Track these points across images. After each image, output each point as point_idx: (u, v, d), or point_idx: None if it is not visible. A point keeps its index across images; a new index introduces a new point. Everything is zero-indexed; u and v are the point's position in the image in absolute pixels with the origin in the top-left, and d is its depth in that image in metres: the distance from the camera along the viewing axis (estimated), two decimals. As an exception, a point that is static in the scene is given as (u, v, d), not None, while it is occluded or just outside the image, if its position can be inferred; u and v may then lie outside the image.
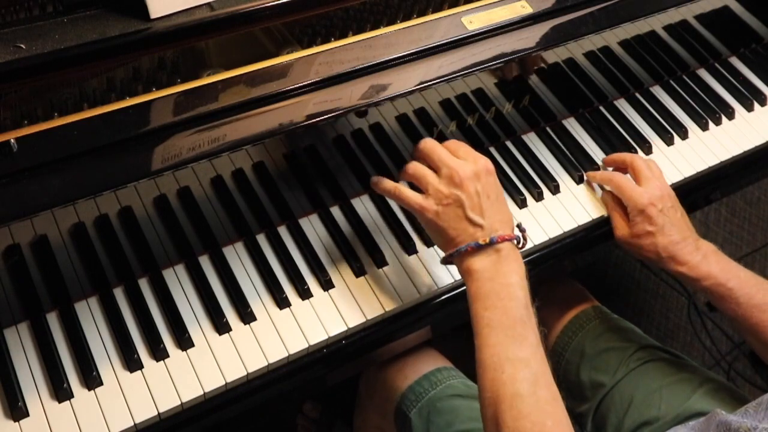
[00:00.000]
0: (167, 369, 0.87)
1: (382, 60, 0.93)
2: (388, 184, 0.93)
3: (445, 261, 0.89)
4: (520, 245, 0.88)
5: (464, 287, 0.98)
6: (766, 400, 0.77)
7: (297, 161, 1.02)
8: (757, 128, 1.26)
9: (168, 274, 0.94)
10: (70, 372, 0.86)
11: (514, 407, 0.75)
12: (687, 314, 1.96)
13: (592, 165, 1.15)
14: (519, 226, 0.88)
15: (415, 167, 0.91)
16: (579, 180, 1.13)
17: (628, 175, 1.08)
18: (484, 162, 0.89)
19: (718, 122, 1.25)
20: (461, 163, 0.88)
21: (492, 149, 1.14)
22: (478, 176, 0.87)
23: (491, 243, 0.84)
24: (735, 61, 1.36)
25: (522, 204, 1.09)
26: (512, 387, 0.76)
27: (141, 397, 0.85)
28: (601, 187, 1.11)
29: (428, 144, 0.91)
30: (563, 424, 0.77)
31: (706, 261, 0.98)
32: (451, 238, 0.86)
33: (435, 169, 0.90)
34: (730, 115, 1.27)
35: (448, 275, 1.00)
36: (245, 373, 0.89)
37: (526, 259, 1.05)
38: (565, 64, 1.19)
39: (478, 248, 0.84)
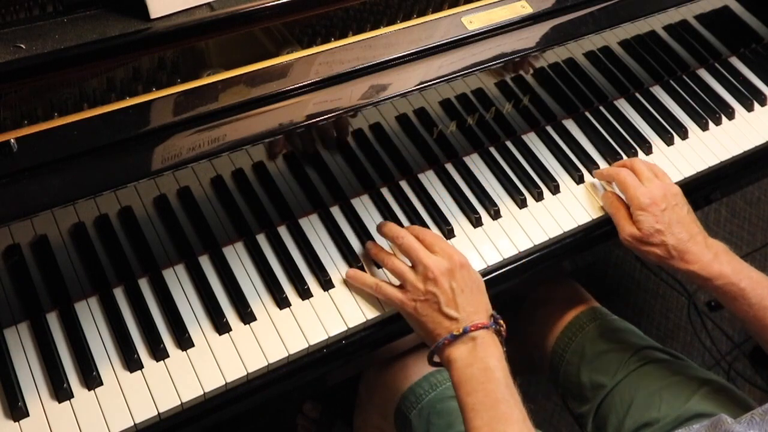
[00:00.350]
0: (167, 369, 0.87)
1: (382, 60, 0.93)
2: (368, 280, 0.96)
3: (431, 359, 0.92)
4: (501, 333, 0.90)
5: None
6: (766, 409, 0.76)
7: (297, 161, 1.02)
8: (757, 128, 1.26)
9: (168, 274, 0.94)
10: (70, 372, 0.86)
11: None
12: (687, 314, 1.96)
13: (593, 165, 1.15)
14: (493, 315, 0.91)
15: (393, 264, 0.95)
16: (579, 180, 1.13)
17: (639, 164, 1.08)
18: (458, 257, 0.93)
19: (718, 122, 1.25)
20: (436, 261, 0.91)
21: (492, 149, 1.14)
22: (452, 272, 0.91)
23: (465, 332, 0.87)
24: (735, 61, 1.36)
25: (522, 204, 1.09)
26: None
27: (141, 397, 0.85)
28: (604, 188, 1.11)
29: (406, 240, 0.95)
30: None
31: (718, 260, 0.97)
32: (430, 330, 0.90)
33: (412, 264, 0.94)
34: (730, 115, 1.27)
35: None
36: (245, 373, 0.89)
37: (527, 259, 1.05)
38: (565, 64, 1.19)
39: (454, 339, 0.87)
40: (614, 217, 1.05)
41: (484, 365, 0.85)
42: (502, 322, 0.91)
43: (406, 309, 0.92)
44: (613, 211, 1.06)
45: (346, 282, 0.98)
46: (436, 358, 0.91)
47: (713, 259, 0.97)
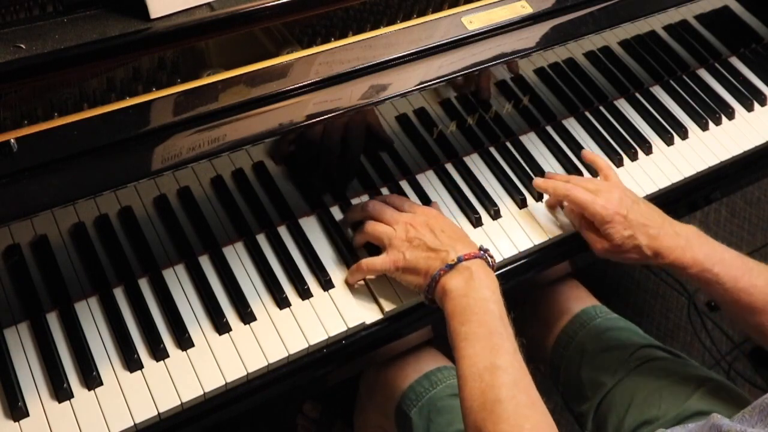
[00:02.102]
0: (167, 369, 0.87)
1: (382, 60, 0.93)
2: (354, 266, 0.97)
3: (427, 297, 0.92)
4: (490, 264, 0.92)
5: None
6: (759, 405, 0.76)
7: (297, 161, 1.02)
8: (757, 128, 1.26)
9: (168, 274, 0.94)
10: (70, 372, 0.86)
11: (494, 412, 0.77)
12: (687, 314, 1.96)
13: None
14: (481, 247, 0.93)
15: (372, 226, 0.97)
16: (579, 180, 1.13)
17: (583, 182, 1.05)
18: (429, 210, 0.98)
19: (718, 122, 1.25)
20: (409, 216, 0.96)
21: (492, 149, 1.14)
22: (427, 221, 0.95)
23: (459, 261, 0.89)
24: (735, 61, 1.36)
25: (522, 204, 1.09)
26: (491, 393, 0.78)
27: (141, 397, 0.85)
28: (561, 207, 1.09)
29: (375, 206, 0.98)
30: (542, 426, 0.77)
31: (690, 246, 0.96)
32: (424, 270, 0.91)
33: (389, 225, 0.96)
34: (730, 115, 1.27)
35: (448, 275, 0.99)
36: (245, 373, 0.89)
37: (527, 259, 1.05)
38: (565, 64, 1.19)
39: (450, 268, 0.89)
40: (582, 234, 1.04)
41: (479, 296, 0.86)
42: (491, 253, 0.93)
43: (397, 264, 0.93)
44: (579, 228, 1.04)
45: (347, 282, 0.98)
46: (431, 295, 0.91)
47: (685, 246, 0.96)
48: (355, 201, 1.05)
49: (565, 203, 1.06)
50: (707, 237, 0.99)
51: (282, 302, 0.94)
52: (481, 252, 0.91)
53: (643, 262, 1.00)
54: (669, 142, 1.21)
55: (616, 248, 0.99)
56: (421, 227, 0.94)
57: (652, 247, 0.97)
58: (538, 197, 1.10)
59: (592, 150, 1.17)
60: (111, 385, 0.85)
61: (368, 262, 0.95)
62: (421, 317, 0.99)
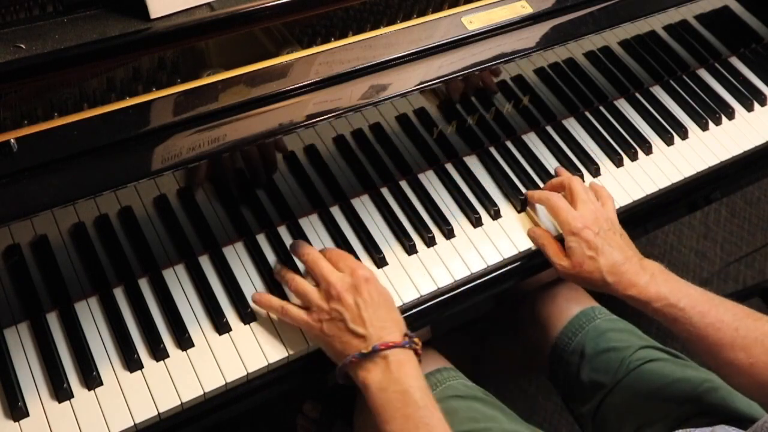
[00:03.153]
0: (167, 369, 0.87)
1: (382, 60, 0.93)
2: (274, 302, 0.92)
3: (340, 375, 0.88)
4: (415, 352, 0.86)
5: (466, 286, 0.98)
6: (759, 428, 0.76)
7: (297, 161, 1.02)
8: (757, 128, 1.26)
9: (168, 274, 0.94)
10: (70, 372, 0.86)
11: None
12: (687, 314, 1.95)
13: (592, 165, 1.15)
14: (407, 334, 0.87)
15: (297, 284, 0.92)
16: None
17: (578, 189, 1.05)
18: (362, 272, 0.89)
19: (718, 122, 1.25)
20: (339, 277, 0.89)
21: (492, 149, 1.14)
22: (356, 288, 0.88)
23: (374, 351, 0.83)
24: (735, 61, 1.36)
25: (522, 205, 1.09)
26: None
27: (141, 397, 0.85)
28: (534, 222, 1.08)
29: (311, 257, 0.92)
30: None
31: (654, 281, 0.94)
32: (339, 351, 0.87)
33: (316, 282, 0.91)
34: (730, 115, 1.27)
35: (448, 275, 1.00)
36: (245, 373, 0.89)
37: (527, 260, 1.05)
38: (565, 64, 1.19)
39: (363, 357, 0.84)
40: (543, 250, 1.02)
41: (400, 388, 0.82)
42: (417, 340, 0.87)
43: (312, 331, 0.89)
44: (540, 245, 1.03)
45: (258, 304, 0.94)
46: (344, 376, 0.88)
47: (650, 280, 0.94)
48: (355, 201, 1.05)
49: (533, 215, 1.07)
50: (672, 273, 0.97)
51: (282, 302, 0.94)
52: (406, 340, 0.85)
53: (603, 290, 0.98)
54: (669, 142, 1.21)
55: (576, 266, 0.98)
56: (345, 294, 0.87)
57: (613, 273, 0.95)
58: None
59: (591, 150, 1.17)
60: (111, 385, 0.86)
61: (289, 309, 0.90)
62: (420, 317, 0.99)
